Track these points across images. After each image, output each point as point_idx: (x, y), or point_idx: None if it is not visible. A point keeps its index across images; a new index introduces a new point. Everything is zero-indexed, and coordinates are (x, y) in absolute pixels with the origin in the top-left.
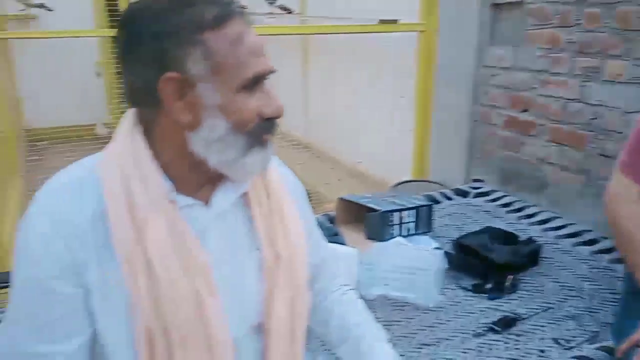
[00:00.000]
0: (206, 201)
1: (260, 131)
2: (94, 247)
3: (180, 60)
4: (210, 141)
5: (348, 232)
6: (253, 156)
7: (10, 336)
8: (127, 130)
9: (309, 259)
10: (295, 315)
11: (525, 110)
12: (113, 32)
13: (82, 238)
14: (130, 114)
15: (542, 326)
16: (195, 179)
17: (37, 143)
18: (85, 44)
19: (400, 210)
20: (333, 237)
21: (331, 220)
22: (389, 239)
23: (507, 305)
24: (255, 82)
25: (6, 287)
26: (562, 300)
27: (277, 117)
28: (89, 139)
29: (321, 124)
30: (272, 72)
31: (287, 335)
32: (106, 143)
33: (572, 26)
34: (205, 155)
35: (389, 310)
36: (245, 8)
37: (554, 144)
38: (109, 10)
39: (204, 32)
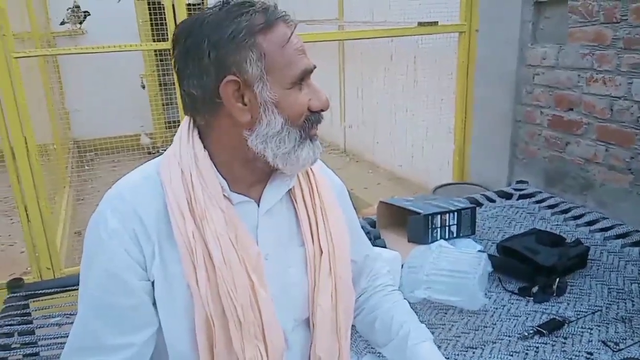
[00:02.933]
0: (256, 198)
1: (309, 124)
2: (157, 242)
3: (238, 64)
4: (268, 136)
5: (389, 236)
6: (305, 148)
7: (85, 329)
8: (186, 134)
9: (352, 256)
10: (339, 309)
11: (570, 109)
12: (157, 45)
13: (148, 233)
14: (186, 120)
15: (590, 329)
16: (247, 177)
17: (85, 154)
18: (130, 58)
19: (442, 213)
20: (374, 240)
21: (372, 224)
22: (431, 242)
23: (554, 308)
24: (302, 78)
25: (64, 291)
26: (611, 302)
27: (324, 109)
28: (133, 148)
29: (359, 128)
30: (314, 68)
31: (331, 328)
32: (149, 152)
33: (618, 22)
34: (264, 150)
35: (432, 314)
36: (286, 13)
37: (601, 143)
38: (154, 25)
39: (256, 37)
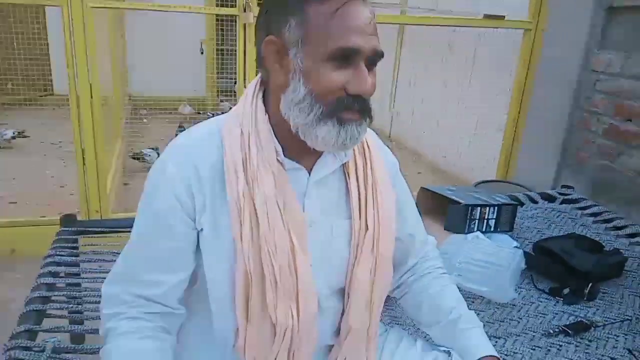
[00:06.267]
0: (309, 167)
1: (341, 106)
2: (210, 194)
3: (280, 26)
4: (293, 103)
5: (426, 222)
6: (327, 128)
7: (127, 261)
8: (251, 94)
9: (397, 234)
10: (375, 284)
11: (628, 120)
12: (222, 10)
13: (202, 184)
14: (256, 79)
15: (617, 336)
16: (298, 143)
17: (138, 110)
18: (192, 23)
19: (482, 206)
20: None
21: None
22: (467, 233)
23: (583, 312)
24: (345, 57)
25: (112, 232)
26: None
27: (361, 95)
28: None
29: (407, 115)
30: (375, 53)
31: (365, 301)
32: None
33: None
34: (288, 117)
35: None
36: None
37: None
38: None
39: (308, 4)
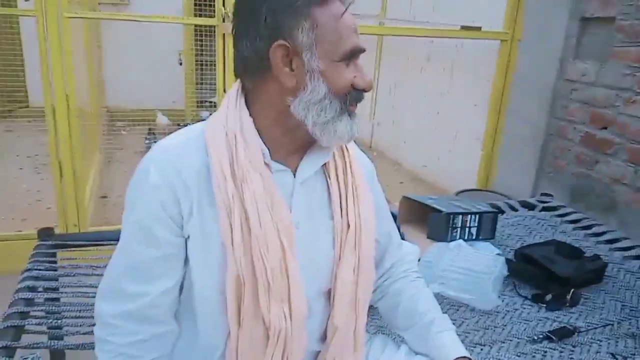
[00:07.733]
0: (293, 168)
1: (350, 100)
2: (196, 199)
3: (291, 31)
4: (310, 103)
5: (408, 230)
6: (343, 122)
7: (113, 272)
8: (234, 99)
9: (375, 235)
10: (359, 284)
11: (604, 128)
12: (202, 20)
13: (187, 189)
14: (236, 86)
15: (600, 341)
16: (287, 145)
17: (115, 122)
18: (170, 33)
19: (464, 214)
20: None
21: (393, 217)
22: (450, 241)
23: (566, 318)
24: (351, 56)
25: (91, 245)
26: (623, 319)
27: (367, 89)
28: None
29: (388, 125)
30: (364, 50)
31: (350, 301)
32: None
33: None
34: (305, 117)
35: (444, 309)
36: None
37: (630, 165)
38: (197, 3)
39: (312, 8)
